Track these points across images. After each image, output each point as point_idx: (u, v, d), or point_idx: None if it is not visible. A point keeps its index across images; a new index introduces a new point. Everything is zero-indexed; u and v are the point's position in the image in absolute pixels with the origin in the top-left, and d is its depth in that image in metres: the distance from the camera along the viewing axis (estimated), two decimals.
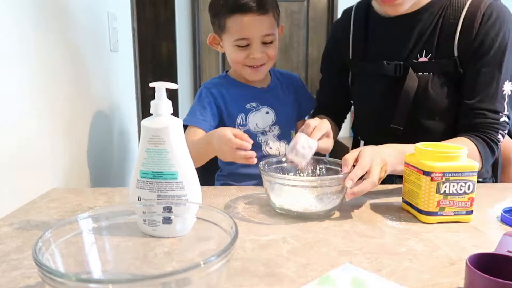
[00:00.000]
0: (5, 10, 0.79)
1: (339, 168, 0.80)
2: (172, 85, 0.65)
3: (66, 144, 1.03)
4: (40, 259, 0.38)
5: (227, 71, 1.14)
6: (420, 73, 0.95)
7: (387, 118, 0.99)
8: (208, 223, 0.51)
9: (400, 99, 0.96)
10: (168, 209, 0.56)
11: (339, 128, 1.22)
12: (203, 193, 0.68)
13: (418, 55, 0.96)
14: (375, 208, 0.80)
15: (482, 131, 0.91)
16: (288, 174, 0.84)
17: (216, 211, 0.51)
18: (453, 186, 0.70)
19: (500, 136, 0.92)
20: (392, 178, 1.00)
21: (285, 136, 1.09)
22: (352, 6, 1.12)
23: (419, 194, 0.72)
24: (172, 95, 0.67)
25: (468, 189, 0.71)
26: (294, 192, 0.75)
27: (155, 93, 0.64)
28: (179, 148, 0.64)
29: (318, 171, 0.86)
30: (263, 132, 1.07)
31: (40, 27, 0.92)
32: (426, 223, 0.71)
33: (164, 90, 0.65)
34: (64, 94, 1.03)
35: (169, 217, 0.57)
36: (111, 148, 1.36)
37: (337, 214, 0.76)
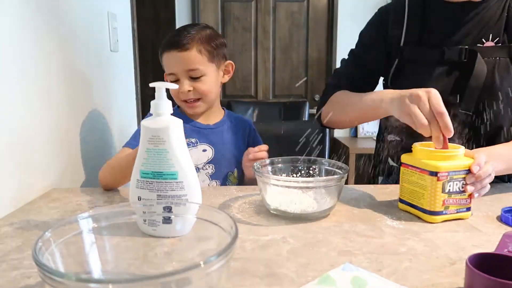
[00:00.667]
0: (5, 10, 0.79)
1: (335, 169, 0.81)
2: (172, 85, 0.65)
3: (66, 144, 1.03)
4: (40, 259, 0.38)
5: (178, 106, 1.14)
6: (486, 58, 0.94)
7: (451, 105, 0.95)
8: (208, 223, 0.51)
9: (469, 84, 0.94)
10: (168, 209, 0.56)
11: None
12: (203, 193, 0.68)
13: (484, 39, 0.96)
14: (375, 208, 0.80)
15: None
16: (282, 175, 0.84)
17: (216, 211, 0.51)
18: (456, 184, 0.72)
19: None
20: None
21: (219, 176, 1.09)
22: None
23: (424, 194, 0.72)
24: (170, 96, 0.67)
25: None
26: (288, 193, 0.75)
27: (155, 93, 0.64)
28: (179, 148, 0.64)
29: (313, 172, 0.86)
30: (196, 169, 1.05)
31: (40, 27, 0.92)
32: (431, 222, 0.71)
33: (164, 90, 0.65)
34: (64, 94, 1.03)
35: (169, 217, 0.57)
36: (111, 148, 1.36)
37: (337, 214, 0.76)
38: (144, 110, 1.72)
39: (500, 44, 0.95)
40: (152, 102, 0.64)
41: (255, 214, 0.76)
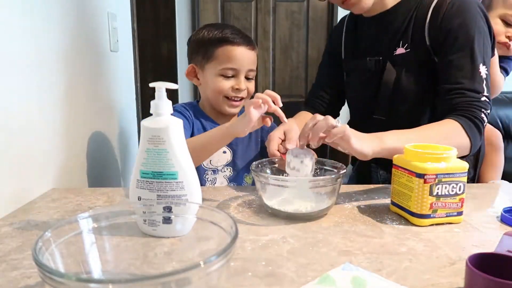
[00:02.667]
0: (5, 10, 0.79)
1: (334, 169, 0.82)
2: (172, 85, 0.65)
3: (66, 144, 1.03)
4: (40, 259, 0.38)
5: (197, 101, 1.14)
6: (397, 66, 1.02)
7: (371, 109, 1.07)
8: (208, 223, 0.51)
9: (380, 91, 1.04)
10: (168, 209, 0.56)
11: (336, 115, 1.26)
12: (203, 193, 0.68)
13: (396, 47, 1.02)
14: (375, 208, 0.80)
15: (465, 109, 0.91)
16: (280, 175, 0.84)
17: (216, 211, 0.51)
18: (445, 187, 0.70)
19: (483, 116, 0.92)
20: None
21: (237, 179, 1.09)
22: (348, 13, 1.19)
23: (411, 196, 0.71)
24: (172, 95, 0.67)
25: (459, 190, 0.70)
26: (286, 193, 0.74)
27: (155, 93, 0.64)
28: (179, 148, 0.64)
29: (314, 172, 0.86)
30: (215, 171, 1.07)
31: (40, 27, 0.92)
32: (418, 225, 0.70)
33: (164, 90, 0.65)
34: (64, 94, 1.03)
35: (169, 217, 0.57)
36: (111, 148, 1.36)
37: (336, 214, 0.76)
38: (144, 110, 1.72)
39: (408, 50, 1.00)
40: (152, 102, 0.64)
41: (255, 214, 0.76)
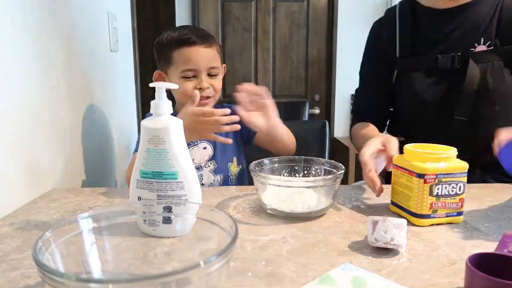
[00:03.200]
0: (5, 10, 0.79)
1: (333, 169, 0.81)
2: (172, 85, 0.65)
3: (66, 144, 1.03)
4: (40, 259, 0.38)
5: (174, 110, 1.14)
6: (479, 63, 0.95)
7: (446, 111, 0.98)
8: (208, 223, 0.51)
9: (463, 90, 0.95)
10: (168, 209, 0.56)
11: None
12: (203, 193, 0.68)
13: (476, 43, 0.96)
14: (375, 208, 0.80)
15: None
16: (279, 175, 0.84)
17: (216, 211, 0.51)
18: (445, 187, 0.69)
19: None
20: None
21: (222, 170, 1.10)
22: (395, 5, 1.11)
23: (411, 196, 0.71)
24: (172, 95, 0.67)
25: (459, 190, 0.70)
26: (285, 193, 0.75)
27: (155, 93, 0.64)
28: (179, 148, 0.64)
29: (309, 172, 0.86)
30: (199, 168, 1.08)
31: (40, 27, 0.92)
32: (418, 225, 0.70)
33: (164, 90, 0.65)
34: (64, 94, 1.03)
35: (169, 217, 0.57)
36: (111, 148, 1.36)
37: (337, 214, 0.76)
38: (144, 110, 1.72)
39: (492, 48, 0.95)
40: (152, 102, 0.64)
41: (255, 214, 0.76)
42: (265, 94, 0.89)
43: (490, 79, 0.94)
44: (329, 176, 0.75)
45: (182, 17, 3.03)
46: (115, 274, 0.50)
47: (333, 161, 0.83)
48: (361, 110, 1.17)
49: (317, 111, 3.17)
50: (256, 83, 3.19)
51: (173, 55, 1.03)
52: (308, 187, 0.75)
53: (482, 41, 0.96)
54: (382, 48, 1.11)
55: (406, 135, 1.13)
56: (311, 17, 3.10)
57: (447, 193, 0.70)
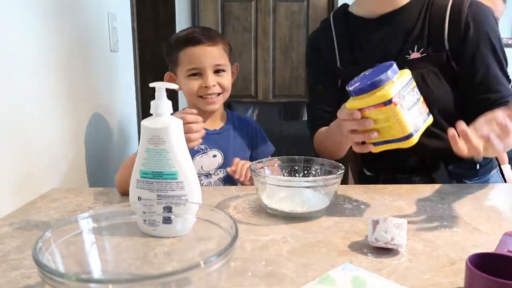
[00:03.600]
0: (5, 10, 0.79)
1: (333, 169, 0.81)
2: (172, 85, 0.65)
3: (66, 144, 1.03)
4: (40, 259, 0.38)
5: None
6: (414, 70, 0.94)
7: None
8: (208, 223, 0.51)
9: None
10: (168, 209, 0.56)
11: None
12: (203, 193, 0.68)
13: (410, 50, 0.98)
14: (375, 208, 0.80)
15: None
16: (279, 175, 0.84)
17: (216, 211, 0.51)
18: (410, 99, 0.70)
19: None
20: (411, 178, 1.03)
21: (231, 179, 1.07)
22: (329, 16, 1.13)
23: (391, 125, 0.69)
24: (172, 95, 0.67)
25: (417, 93, 0.72)
26: (285, 192, 0.75)
27: (155, 93, 0.64)
28: (179, 148, 0.64)
29: (309, 171, 0.86)
30: (207, 175, 1.07)
31: (40, 27, 0.92)
32: (411, 145, 0.70)
33: (164, 90, 0.65)
34: (64, 94, 1.03)
35: (169, 217, 0.57)
36: (111, 148, 1.36)
37: (336, 214, 0.76)
38: (144, 110, 1.72)
39: (425, 55, 0.96)
40: (152, 102, 0.64)
41: (255, 214, 0.76)
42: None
43: (430, 84, 0.96)
44: (329, 176, 0.75)
45: (182, 17, 3.03)
46: (115, 274, 0.50)
47: (333, 161, 0.83)
48: (319, 119, 1.13)
49: None
50: (256, 83, 3.19)
51: (179, 56, 1.04)
52: (308, 187, 0.75)
53: (415, 48, 0.97)
54: (323, 59, 1.11)
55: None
56: (311, 17, 3.11)
57: (414, 102, 0.70)
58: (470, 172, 1.03)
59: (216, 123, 1.12)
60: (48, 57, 0.95)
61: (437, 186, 0.94)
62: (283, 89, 3.17)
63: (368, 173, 1.16)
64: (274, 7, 3.08)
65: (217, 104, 1.07)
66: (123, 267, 0.52)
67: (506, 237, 0.59)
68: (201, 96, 1.04)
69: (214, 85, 1.03)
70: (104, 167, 1.30)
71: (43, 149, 0.92)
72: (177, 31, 2.94)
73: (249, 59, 3.15)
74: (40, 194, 0.89)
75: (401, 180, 1.05)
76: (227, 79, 1.06)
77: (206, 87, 1.02)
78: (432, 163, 1.02)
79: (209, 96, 1.04)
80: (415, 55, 0.97)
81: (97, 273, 0.49)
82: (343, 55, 1.07)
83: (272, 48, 3.13)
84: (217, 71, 1.04)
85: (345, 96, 1.02)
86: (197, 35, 1.03)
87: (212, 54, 1.03)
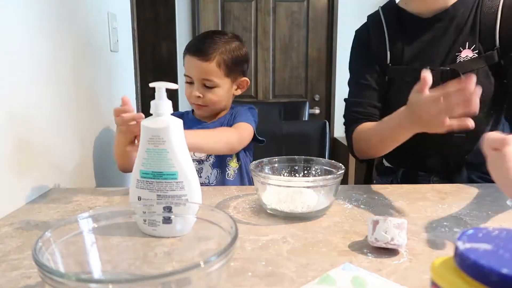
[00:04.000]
0: (5, 10, 0.79)
1: (331, 169, 0.81)
2: (172, 85, 0.65)
3: (66, 144, 1.03)
4: (40, 259, 0.38)
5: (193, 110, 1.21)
6: (466, 72, 0.94)
7: None
8: (208, 223, 0.51)
9: None
10: (168, 209, 0.56)
11: None
12: (203, 193, 0.68)
13: (461, 48, 0.97)
14: (375, 208, 0.80)
15: None
16: (279, 175, 0.84)
17: (216, 211, 0.51)
18: None
19: None
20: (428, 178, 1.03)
21: (220, 164, 1.13)
22: (377, 12, 1.09)
23: None
24: (172, 95, 0.67)
25: None
26: (285, 192, 0.75)
27: (155, 93, 0.64)
28: (179, 148, 0.64)
29: (309, 171, 0.86)
30: (200, 161, 1.12)
31: (40, 27, 0.92)
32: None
33: (164, 90, 0.65)
34: (64, 94, 1.03)
35: (169, 217, 0.57)
36: (111, 148, 1.36)
37: (337, 214, 0.76)
38: (144, 110, 1.72)
39: (476, 55, 0.96)
40: (152, 102, 0.64)
41: (255, 214, 0.76)
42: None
43: (480, 84, 0.94)
44: (329, 176, 0.75)
45: (182, 17, 3.03)
46: (115, 274, 0.50)
47: (333, 161, 0.83)
48: (361, 114, 1.08)
49: (317, 111, 3.17)
50: (256, 83, 3.19)
51: (183, 61, 1.12)
52: (308, 187, 0.75)
53: (467, 45, 0.97)
54: (373, 55, 1.08)
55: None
56: (311, 17, 3.10)
57: None
58: (450, 184, 1.02)
59: (217, 117, 1.17)
60: (48, 57, 0.95)
61: (437, 186, 0.94)
62: (283, 89, 3.17)
63: (387, 165, 1.14)
64: (274, 7, 3.08)
65: (206, 112, 1.13)
66: (123, 267, 0.52)
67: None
68: (191, 101, 1.12)
69: (199, 97, 1.08)
70: (104, 167, 1.30)
71: (43, 148, 0.92)
72: (177, 31, 2.96)
73: None
74: (40, 194, 0.89)
75: (419, 178, 1.05)
76: (215, 95, 1.09)
77: (193, 95, 1.08)
78: (455, 167, 1.01)
79: (197, 104, 1.11)
80: (466, 52, 0.96)
81: (97, 273, 0.49)
82: (394, 52, 1.04)
83: (272, 48, 3.13)
84: (206, 85, 1.08)
85: (392, 95, 1.03)
86: (194, 46, 1.08)
87: (201, 69, 1.06)
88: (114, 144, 1.01)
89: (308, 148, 1.60)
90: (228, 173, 1.13)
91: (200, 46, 1.07)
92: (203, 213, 0.53)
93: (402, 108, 0.85)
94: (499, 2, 0.95)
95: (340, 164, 0.80)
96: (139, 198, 0.65)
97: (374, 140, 1.00)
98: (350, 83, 1.14)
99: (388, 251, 0.60)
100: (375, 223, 0.60)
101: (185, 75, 1.11)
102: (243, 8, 3.09)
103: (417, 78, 0.97)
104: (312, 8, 3.10)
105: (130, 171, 0.98)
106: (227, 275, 0.51)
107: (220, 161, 1.12)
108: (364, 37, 1.11)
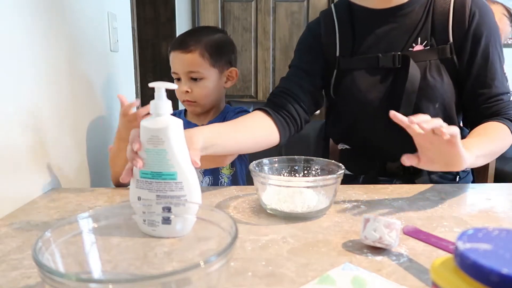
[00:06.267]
0: (4, 10, 0.79)
1: (333, 169, 0.81)
2: (171, 85, 0.65)
3: (66, 144, 1.03)
4: (40, 259, 0.38)
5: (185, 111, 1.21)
6: (418, 62, 0.97)
7: (390, 110, 0.98)
8: (208, 223, 0.51)
9: (405, 88, 0.95)
10: (168, 209, 0.56)
11: (302, 122, 1.06)
12: (202, 193, 0.68)
13: (414, 43, 0.99)
14: (375, 208, 0.80)
15: (504, 113, 0.95)
16: (279, 175, 0.84)
17: (216, 211, 0.51)
18: None
19: None
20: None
21: (211, 172, 1.11)
22: (330, 7, 1.11)
23: None
24: (172, 95, 0.67)
25: None
26: (285, 193, 0.75)
27: (155, 93, 0.64)
28: (179, 148, 0.64)
29: (309, 171, 0.86)
30: None
31: (40, 27, 0.92)
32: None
33: (164, 90, 0.64)
34: (64, 94, 1.03)
35: (168, 217, 0.57)
36: None
37: (336, 214, 0.76)
38: None
39: (429, 47, 0.97)
40: (151, 102, 0.64)
41: (255, 214, 0.76)
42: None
43: (430, 77, 0.96)
44: (329, 176, 0.75)
45: (182, 17, 3.03)
46: (115, 274, 0.50)
47: (333, 161, 0.83)
48: (276, 96, 1.04)
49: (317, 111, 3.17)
50: (256, 83, 3.19)
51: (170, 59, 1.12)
52: (308, 187, 0.75)
53: (419, 40, 0.98)
54: (321, 47, 1.07)
55: (347, 139, 1.13)
56: (311, 17, 3.10)
57: None
58: (450, 184, 1.04)
59: (207, 119, 1.15)
60: (48, 57, 0.95)
61: (437, 186, 0.94)
62: None
63: (346, 172, 1.14)
64: (274, 7, 3.08)
65: (198, 108, 1.11)
66: (123, 267, 0.52)
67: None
68: (181, 99, 1.10)
69: (187, 92, 1.07)
70: (104, 167, 1.30)
71: (43, 149, 0.92)
72: (177, 31, 2.96)
73: (249, 59, 3.15)
74: (40, 194, 0.89)
75: (381, 183, 1.04)
76: (203, 88, 1.07)
77: (181, 92, 1.08)
78: (414, 169, 1.02)
79: (187, 101, 1.10)
80: (418, 47, 0.98)
81: (97, 273, 0.49)
82: (344, 45, 1.05)
83: (272, 48, 3.13)
84: (193, 78, 1.06)
85: (346, 84, 1.04)
86: (176, 41, 1.08)
87: (185, 61, 1.06)
88: (112, 152, 1.00)
89: (308, 148, 1.59)
90: (222, 181, 1.12)
91: (182, 40, 1.07)
92: (203, 213, 0.53)
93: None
94: (450, 1, 0.97)
95: (340, 164, 0.80)
96: (139, 198, 0.65)
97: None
98: (289, 67, 1.12)
99: (388, 251, 0.60)
100: (366, 221, 0.60)
101: (172, 72, 1.10)
102: (243, 8, 3.09)
103: (371, 65, 1.00)
104: (312, 8, 3.10)
105: (124, 185, 0.98)
106: (227, 275, 0.51)
107: (212, 168, 1.10)
108: (313, 28, 1.11)
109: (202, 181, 1.11)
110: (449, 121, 0.94)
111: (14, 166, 0.81)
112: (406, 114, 0.92)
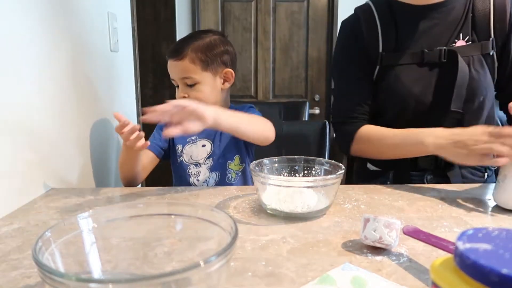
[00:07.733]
0: (4, 10, 0.79)
1: (333, 169, 0.81)
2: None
3: (66, 144, 1.03)
4: (40, 259, 0.38)
5: None
6: (462, 57, 0.98)
7: (437, 105, 1.00)
8: (208, 223, 0.51)
9: (456, 82, 0.96)
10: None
11: None
12: (203, 193, 0.68)
13: (455, 39, 1.00)
14: (375, 207, 0.80)
15: None
16: (279, 175, 0.84)
17: (216, 211, 0.51)
18: None
19: None
20: (423, 178, 1.04)
21: (219, 167, 1.12)
22: (366, 4, 1.09)
23: None
24: (171, 95, 0.67)
25: None
26: (285, 193, 0.75)
27: None
28: None
29: (309, 172, 0.86)
30: (197, 164, 1.12)
31: (40, 27, 0.92)
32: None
33: None
34: (64, 94, 1.03)
35: None
36: (111, 148, 1.36)
37: (336, 214, 0.76)
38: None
39: (470, 43, 1.00)
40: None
41: (255, 214, 0.76)
42: (185, 103, 0.78)
43: (474, 71, 0.98)
44: (329, 176, 0.75)
45: (182, 17, 3.03)
46: (115, 274, 0.50)
47: (333, 161, 0.83)
48: (356, 112, 1.08)
49: (317, 111, 3.17)
50: (256, 83, 3.19)
51: None
52: (308, 187, 0.75)
53: (461, 36, 1.00)
54: (363, 47, 1.06)
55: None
56: (311, 17, 3.10)
57: None
58: (479, 180, 1.04)
59: None
60: (47, 57, 0.95)
61: (437, 186, 0.95)
62: (283, 89, 3.16)
63: (372, 168, 1.13)
64: (274, 7, 3.08)
65: None
66: (123, 267, 0.52)
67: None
68: None
69: (184, 97, 1.07)
70: (104, 167, 1.30)
71: (43, 149, 0.92)
72: (177, 31, 2.96)
73: (249, 59, 3.15)
74: (40, 194, 0.89)
75: (413, 178, 1.05)
76: (199, 92, 1.07)
77: (178, 98, 1.09)
78: (446, 163, 1.02)
79: None
80: (460, 43, 1.00)
81: (97, 273, 0.49)
82: (387, 41, 1.04)
83: (272, 48, 3.13)
84: (188, 84, 1.07)
85: (390, 80, 1.05)
86: (171, 49, 1.10)
87: (177, 68, 1.07)
88: (121, 157, 1.04)
89: (308, 148, 1.60)
90: (229, 177, 1.12)
91: (174, 48, 1.09)
92: (203, 213, 0.53)
93: (431, 130, 0.91)
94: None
95: (340, 164, 0.80)
96: None
97: (386, 148, 1.01)
98: (335, 78, 1.13)
99: (388, 251, 0.60)
100: (366, 221, 0.60)
101: (171, 79, 1.11)
102: (243, 8, 3.09)
103: (415, 60, 1.01)
104: (312, 8, 3.10)
105: (133, 184, 1.02)
106: (227, 275, 0.51)
107: (220, 164, 1.11)
108: (351, 27, 1.10)
109: (209, 177, 1.11)
110: (490, 113, 1.01)
111: (14, 166, 0.81)
112: (458, 108, 0.99)
